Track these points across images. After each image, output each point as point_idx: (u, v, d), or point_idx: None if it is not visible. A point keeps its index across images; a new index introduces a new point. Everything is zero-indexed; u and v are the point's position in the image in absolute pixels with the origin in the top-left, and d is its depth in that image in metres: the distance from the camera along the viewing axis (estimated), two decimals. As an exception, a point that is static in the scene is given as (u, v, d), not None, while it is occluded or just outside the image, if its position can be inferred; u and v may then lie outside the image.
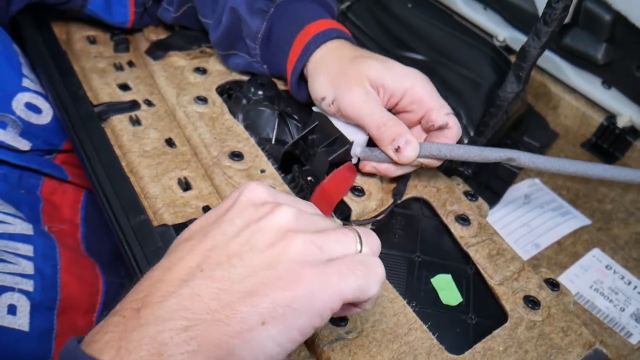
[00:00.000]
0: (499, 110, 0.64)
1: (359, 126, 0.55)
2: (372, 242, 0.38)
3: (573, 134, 0.88)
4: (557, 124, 0.90)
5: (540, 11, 0.82)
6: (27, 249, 0.57)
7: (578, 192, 0.78)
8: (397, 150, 0.52)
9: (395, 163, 0.53)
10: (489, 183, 0.75)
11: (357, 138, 0.56)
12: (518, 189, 0.76)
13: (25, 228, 0.59)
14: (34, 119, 0.69)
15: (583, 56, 0.80)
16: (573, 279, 0.65)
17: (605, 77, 0.81)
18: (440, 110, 0.55)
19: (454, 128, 0.55)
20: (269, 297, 0.33)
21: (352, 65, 0.56)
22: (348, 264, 0.35)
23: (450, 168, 0.73)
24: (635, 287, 0.65)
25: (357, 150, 0.56)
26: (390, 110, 0.56)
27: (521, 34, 0.93)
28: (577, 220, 0.73)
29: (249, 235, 0.35)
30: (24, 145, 0.68)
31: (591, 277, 0.66)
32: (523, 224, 0.71)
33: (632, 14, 0.67)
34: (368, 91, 0.54)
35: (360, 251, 0.37)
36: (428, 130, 0.57)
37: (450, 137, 0.55)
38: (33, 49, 0.72)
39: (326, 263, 0.35)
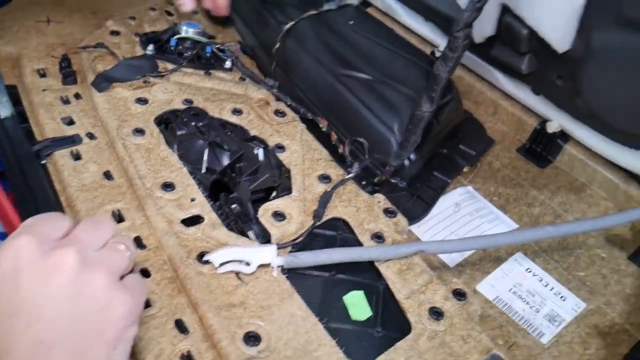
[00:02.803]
0: (417, 128, 0.69)
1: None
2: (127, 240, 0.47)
3: (510, 139, 0.93)
4: (495, 129, 0.94)
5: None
6: None
7: (509, 197, 0.83)
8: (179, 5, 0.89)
9: None
10: (421, 194, 0.79)
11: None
12: (450, 198, 0.81)
13: None
14: None
15: (509, 67, 0.84)
16: (494, 283, 0.70)
17: (533, 85, 0.86)
18: None
19: None
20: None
21: None
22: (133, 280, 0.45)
23: (383, 181, 0.77)
24: (552, 288, 0.70)
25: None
26: None
27: (459, 44, 0.96)
28: (504, 225, 0.77)
29: (74, 292, 0.40)
30: None
31: (511, 280, 0.70)
32: (451, 232, 0.75)
33: (541, 30, 0.71)
34: None
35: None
36: None
37: None
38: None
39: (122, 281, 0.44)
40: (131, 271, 0.46)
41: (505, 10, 0.76)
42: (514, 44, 0.79)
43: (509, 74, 0.89)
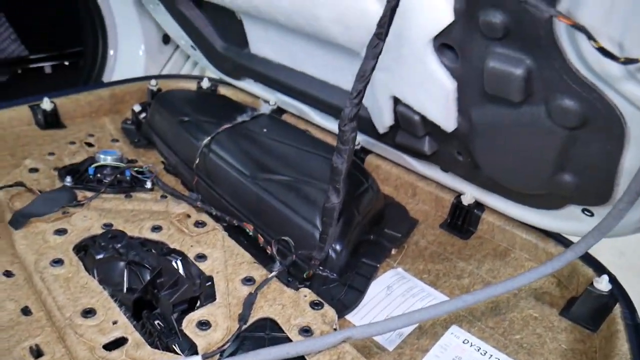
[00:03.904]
0: (331, 219, 0.71)
1: None
2: None
3: (432, 217, 0.96)
4: (417, 210, 0.98)
5: (374, 118, 0.93)
6: None
7: (438, 273, 0.85)
8: None
9: None
10: (352, 282, 0.80)
11: None
12: (381, 282, 0.82)
13: None
14: None
15: (414, 150, 0.89)
16: (434, 360, 0.70)
17: (439, 164, 0.91)
18: None
19: None
20: None
21: None
22: None
23: (312, 275, 0.78)
24: (491, 356, 0.70)
25: None
26: None
27: (370, 138, 1.02)
28: (437, 301, 0.78)
29: None
30: None
31: (451, 354, 0.70)
32: (386, 316, 0.76)
33: (429, 114, 0.78)
34: None
35: None
36: None
37: None
38: None
39: None
40: None
41: (397, 101, 0.83)
42: (412, 130, 0.85)
43: (417, 157, 0.94)
